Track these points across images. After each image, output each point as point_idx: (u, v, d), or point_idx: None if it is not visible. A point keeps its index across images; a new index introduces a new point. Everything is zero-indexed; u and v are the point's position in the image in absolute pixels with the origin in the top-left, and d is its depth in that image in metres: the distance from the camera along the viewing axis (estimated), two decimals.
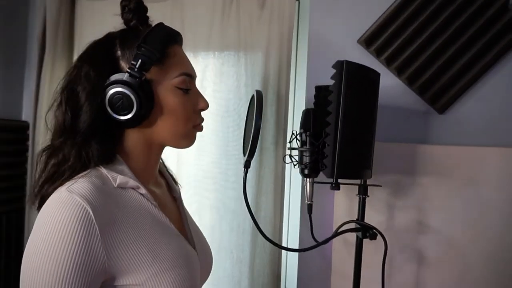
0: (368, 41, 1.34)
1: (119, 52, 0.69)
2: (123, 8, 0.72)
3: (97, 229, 0.59)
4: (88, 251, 0.58)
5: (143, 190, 0.71)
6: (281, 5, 1.52)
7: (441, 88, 1.29)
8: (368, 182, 1.08)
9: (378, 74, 0.99)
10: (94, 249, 0.58)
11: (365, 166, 0.96)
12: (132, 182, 0.70)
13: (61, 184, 0.64)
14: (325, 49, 1.39)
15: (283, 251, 1.55)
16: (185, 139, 0.77)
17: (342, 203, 1.30)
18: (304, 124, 1.03)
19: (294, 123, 1.53)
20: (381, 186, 1.06)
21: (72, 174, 0.65)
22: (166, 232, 0.72)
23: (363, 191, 1.06)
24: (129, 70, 0.66)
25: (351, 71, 0.90)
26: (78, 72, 0.67)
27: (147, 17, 0.75)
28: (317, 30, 1.40)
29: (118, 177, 0.68)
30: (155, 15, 0.76)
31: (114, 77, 0.67)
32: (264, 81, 1.55)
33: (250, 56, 1.56)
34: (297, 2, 1.51)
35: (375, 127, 1.00)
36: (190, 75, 0.75)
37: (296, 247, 1.36)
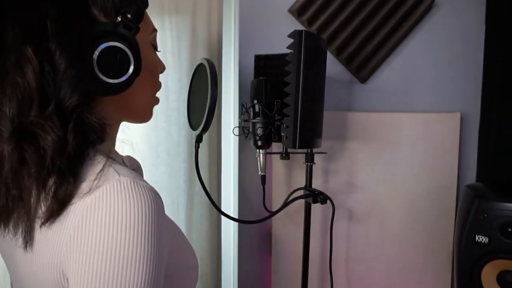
0: (300, 11, 1.35)
1: None
2: None
3: (165, 217, 0.50)
4: (164, 244, 0.47)
5: (141, 171, 0.63)
6: None
7: (364, 59, 1.40)
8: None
9: (325, 42, 1.01)
10: (166, 242, 0.48)
11: (318, 135, 1.00)
12: (135, 162, 0.61)
13: (80, 178, 0.46)
14: (255, 17, 1.36)
15: (222, 224, 1.54)
16: (151, 110, 0.65)
17: (280, 172, 1.34)
18: (256, 95, 1.01)
19: (229, 93, 1.48)
20: (326, 153, 1.13)
21: (82, 160, 0.47)
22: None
23: (310, 159, 1.10)
24: (123, 20, 0.51)
25: (308, 41, 0.90)
26: (40, 17, 0.46)
27: None
28: None
29: (123, 157, 0.57)
30: None
31: (102, 28, 0.50)
32: (192, 48, 1.45)
33: (175, 19, 1.43)
34: None
35: (324, 96, 1.04)
36: (157, 31, 0.64)
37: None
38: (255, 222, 1.03)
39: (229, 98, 1.30)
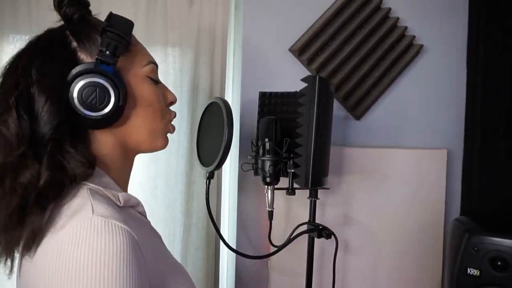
0: (300, 51, 1.42)
1: (74, 43, 0.58)
2: (60, 2, 0.60)
3: (145, 257, 0.50)
4: (143, 284, 0.48)
5: (141, 208, 0.63)
6: (212, 1, 1.47)
7: (359, 97, 1.48)
8: None
9: (333, 85, 1.07)
10: (144, 281, 0.49)
11: (326, 174, 1.04)
12: (133, 199, 0.61)
13: (51, 214, 0.49)
14: (256, 55, 1.42)
15: (220, 256, 1.53)
16: (162, 137, 0.68)
17: (279, 205, 1.37)
18: (267, 133, 1.04)
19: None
20: (329, 188, 1.17)
21: (56, 195, 0.50)
22: (173, 258, 0.67)
23: (314, 194, 1.14)
24: (98, 57, 0.56)
25: (321, 85, 0.95)
26: (26, 68, 0.54)
27: (90, 10, 0.65)
28: (249, 35, 1.41)
29: (119, 194, 0.57)
30: None
31: (80, 67, 0.55)
32: (194, 81, 1.49)
33: (178, 53, 1.46)
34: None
35: (331, 136, 1.09)
36: (157, 65, 0.68)
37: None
38: (264, 257, 1.04)
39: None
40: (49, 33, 0.59)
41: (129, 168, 0.69)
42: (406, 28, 1.51)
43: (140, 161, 1.43)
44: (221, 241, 1.54)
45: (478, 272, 1.18)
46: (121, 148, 0.63)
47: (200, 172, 1.51)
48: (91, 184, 0.55)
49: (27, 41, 0.59)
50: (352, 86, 1.46)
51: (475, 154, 1.51)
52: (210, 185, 1.45)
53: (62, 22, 0.61)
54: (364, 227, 1.45)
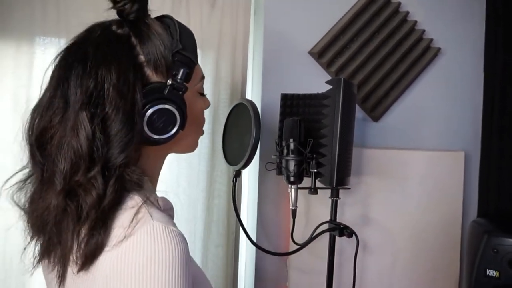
0: (320, 54, 1.45)
1: (142, 57, 0.55)
2: None
3: (190, 259, 0.53)
4: (190, 281, 0.51)
5: (172, 211, 0.65)
6: (234, 5, 1.51)
7: (377, 99, 1.50)
8: None
9: (356, 87, 1.10)
10: (191, 284, 0.52)
11: (349, 173, 1.07)
12: (168, 203, 0.62)
13: (110, 227, 0.50)
14: (277, 57, 1.45)
15: (239, 253, 1.57)
16: (196, 143, 0.71)
17: (300, 204, 1.40)
18: (291, 134, 1.07)
19: None
20: (350, 188, 1.20)
21: (116, 211, 0.51)
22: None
23: (335, 194, 1.17)
24: (173, 82, 0.56)
25: (346, 88, 0.98)
26: (99, 83, 0.51)
27: (147, 8, 0.60)
28: (270, 37, 1.44)
29: (158, 198, 0.59)
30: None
31: (152, 90, 0.54)
32: (215, 83, 1.52)
33: (200, 55, 1.50)
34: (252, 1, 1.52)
35: (353, 137, 1.12)
36: (204, 77, 0.69)
37: (253, 248, 1.41)
38: (287, 254, 1.07)
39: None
40: (115, 38, 0.55)
41: (161, 167, 0.70)
42: (423, 31, 1.53)
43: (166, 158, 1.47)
44: (240, 239, 1.58)
45: (498, 274, 1.20)
46: (160, 155, 0.65)
47: (221, 171, 1.54)
48: (141, 192, 0.55)
49: (79, 40, 0.55)
50: (370, 88, 1.48)
51: (493, 155, 1.52)
52: (225, 181, 1.48)
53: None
54: (382, 227, 1.47)
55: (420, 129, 1.55)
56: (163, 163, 0.70)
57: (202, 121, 0.68)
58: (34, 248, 0.57)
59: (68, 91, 0.51)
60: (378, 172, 1.47)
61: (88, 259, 0.49)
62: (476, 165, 1.56)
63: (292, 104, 1.26)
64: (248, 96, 1.56)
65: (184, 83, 0.57)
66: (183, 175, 1.49)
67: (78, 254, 0.49)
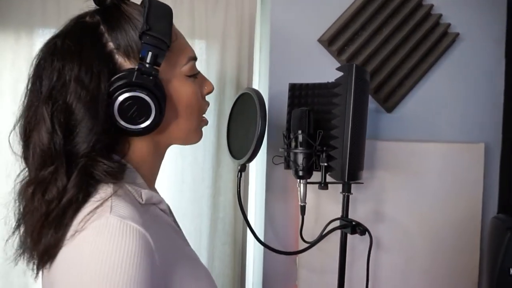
0: (330, 41, 1.38)
1: (111, 44, 0.53)
2: None
3: (157, 258, 0.48)
4: (153, 286, 0.46)
5: (163, 205, 0.61)
6: None
7: (391, 89, 1.42)
8: None
9: (369, 74, 1.03)
10: (154, 283, 0.47)
11: (362, 167, 1.00)
12: (156, 197, 0.59)
13: (68, 224, 0.48)
14: (284, 46, 1.38)
15: (246, 251, 1.51)
16: (197, 132, 0.66)
17: (309, 200, 1.33)
18: (299, 125, 1.01)
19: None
20: (363, 183, 1.13)
21: (77, 209, 0.49)
22: (192, 254, 0.64)
23: (347, 189, 1.10)
24: (139, 67, 0.52)
25: (358, 74, 0.91)
26: (62, 75, 0.50)
27: None
28: (277, 26, 1.37)
29: (142, 191, 0.55)
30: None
31: (119, 78, 0.52)
32: (221, 73, 1.46)
33: (205, 45, 1.44)
34: None
35: (366, 128, 1.04)
36: (196, 58, 0.64)
37: (261, 246, 1.35)
38: (296, 253, 1.01)
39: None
40: (81, 29, 0.54)
41: (160, 161, 0.67)
42: (440, 15, 1.44)
43: (167, 155, 1.41)
44: (248, 237, 1.52)
45: None
46: (155, 147, 0.61)
47: (227, 167, 1.48)
48: (117, 182, 0.53)
49: (56, 33, 0.54)
50: (383, 77, 1.40)
51: None
52: (233, 177, 1.43)
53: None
54: (396, 224, 1.39)
55: (436, 120, 1.47)
56: (162, 156, 0.67)
57: (197, 107, 0.62)
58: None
59: (41, 87, 0.51)
60: (392, 166, 1.39)
61: (44, 257, 0.48)
62: (497, 158, 1.47)
63: (300, 94, 1.19)
64: (255, 87, 1.50)
65: (155, 67, 0.53)
66: (187, 171, 1.44)
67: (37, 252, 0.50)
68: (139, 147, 0.58)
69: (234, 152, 1.03)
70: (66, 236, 0.47)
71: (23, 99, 0.54)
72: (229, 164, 1.48)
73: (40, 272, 0.53)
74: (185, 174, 1.44)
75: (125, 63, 0.54)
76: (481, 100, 1.48)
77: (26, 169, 0.55)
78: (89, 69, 0.51)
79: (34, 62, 0.53)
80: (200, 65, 1.44)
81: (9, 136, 0.54)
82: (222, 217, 1.47)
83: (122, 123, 0.53)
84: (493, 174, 1.47)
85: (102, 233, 0.45)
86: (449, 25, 1.44)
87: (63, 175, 0.49)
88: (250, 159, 0.92)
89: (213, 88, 0.68)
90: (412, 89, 1.45)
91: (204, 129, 1.42)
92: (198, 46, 1.44)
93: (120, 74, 0.52)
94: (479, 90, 1.48)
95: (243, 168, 0.96)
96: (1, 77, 1.30)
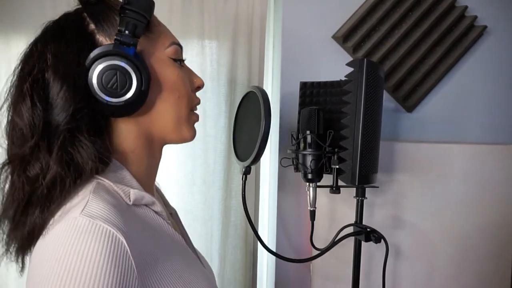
0: (345, 38, 1.31)
1: (92, 26, 0.53)
2: None
3: (133, 263, 0.44)
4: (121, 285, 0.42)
5: (158, 207, 0.57)
6: None
7: (411, 87, 1.34)
8: None
9: (384, 70, 0.96)
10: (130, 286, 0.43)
11: (375, 170, 0.93)
12: (147, 197, 0.55)
13: (53, 211, 0.46)
14: (297, 43, 1.33)
15: (258, 256, 1.46)
16: (189, 126, 0.63)
17: (322, 204, 1.27)
18: (308, 125, 0.95)
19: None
20: (378, 187, 1.06)
21: (63, 191, 0.46)
22: (189, 258, 0.60)
23: (361, 194, 1.03)
24: (117, 37, 0.51)
25: (369, 70, 0.85)
26: (42, 54, 0.50)
27: None
28: (289, 23, 1.32)
29: (130, 191, 0.52)
30: None
31: (98, 50, 0.51)
32: (232, 73, 1.42)
33: (215, 44, 1.41)
34: None
35: (380, 128, 0.97)
36: (181, 46, 0.62)
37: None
38: (306, 261, 0.96)
39: (271, 127, 1.26)
40: (65, 17, 0.55)
41: (155, 161, 0.63)
42: (466, 7, 1.34)
43: (177, 157, 1.39)
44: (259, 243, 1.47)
45: None
46: (144, 139, 0.58)
47: (239, 169, 1.44)
48: (101, 178, 0.51)
49: (43, 27, 0.55)
50: (402, 75, 1.32)
51: None
52: (247, 181, 1.39)
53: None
54: (417, 231, 1.31)
55: (462, 120, 1.37)
56: (156, 154, 0.63)
57: (184, 93, 0.59)
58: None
59: (24, 70, 0.51)
60: (413, 168, 1.31)
61: (24, 242, 0.46)
62: None
63: (312, 93, 1.13)
64: (267, 86, 1.45)
65: (135, 38, 0.52)
66: (198, 172, 1.41)
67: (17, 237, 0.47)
68: (125, 134, 0.56)
69: (240, 154, 0.98)
70: (48, 222, 0.45)
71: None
72: (239, 165, 1.44)
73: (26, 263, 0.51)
74: (195, 176, 1.41)
75: (106, 42, 0.53)
76: (510, 99, 1.37)
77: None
78: (68, 45, 0.51)
79: (20, 57, 0.54)
80: (210, 65, 1.41)
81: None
82: (233, 221, 1.43)
83: (102, 95, 0.50)
84: None
85: (68, 232, 0.42)
86: (475, 17, 1.35)
87: (44, 150, 0.47)
88: (255, 161, 0.87)
89: (203, 83, 0.65)
90: (434, 87, 1.36)
91: (214, 130, 1.40)
92: (208, 46, 1.40)
93: (99, 47, 0.52)
94: (508, 87, 1.37)
95: (247, 171, 0.91)
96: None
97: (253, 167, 1.46)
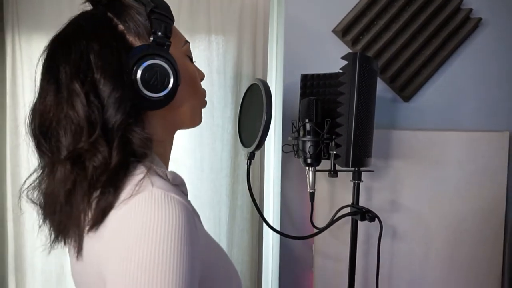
0: (344, 32, 1.38)
1: (121, 26, 0.58)
2: None
3: (196, 228, 0.51)
4: (195, 256, 0.49)
5: (185, 188, 0.64)
6: None
7: (408, 78, 1.40)
8: None
9: (377, 63, 1.03)
10: (195, 256, 0.49)
11: (369, 154, 1.01)
12: (179, 178, 0.62)
13: (120, 190, 0.51)
14: (299, 37, 1.40)
15: (263, 238, 1.55)
16: (199, 113, 0.70)
17: (323, 188, 1.35)
18: (307, 114, 1.03)
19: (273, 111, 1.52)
20: (373, 171, 1.13)
21: (125, 175, 0.52)
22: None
23: (357, 177, 1.11)
24: (154, 39, 0.57)
25: (362, 63, 0.92)
26: (84, 54, 0.53)
27: None
28: (291, 17, 1.40)
29: (167, 171, 0.58)
30: None
31: (140, 51, 0.56)
32: (238, 66, 1.51)
33: (222, 39, 1.49)
34: None
35: (374, 116, 1.05)
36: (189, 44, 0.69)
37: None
38: (305, 238, 1.04)
39: (273, 116, 1.34)
40: (90, 16, 0.58)
41: (170, 145, 0.70)
42: (461, 0, 1.40)
43: (186, 145, 1.48)
44: (264, 223, 1.56)
45: None
46: (168, 128, 0.65)
47: (244, 155, 1.53)
48: (145, 162, 0.55)
49: (66, 24, 0.58)
50: (400, 66, 1.39)
51: None
52: (251, 166, 1.48)
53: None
54: (413, 214, 1.38)
55: (458, 109, 1.43)
56: (171, 141, 0.70)
57: (198, 85, 0.68)
58: (49, 228, 0.58)
59: (58, 73, 0.53)
60: (410, 155, 1.38)
61: (99, 218, 0.50)
62: None
63: (312, 84, 1.21)
64: (271, 78, 1.53)
65: (167, 39, 0.58)
66: (206, 160, 1.50)
67: (90, 215, 0.50)
68: (153, 126, 0.61)
69: (244, 141, 1.07)
70: (117, 201, 0.49)
71: (39, 88, 0.56)
72: (244, 151, 1.52)
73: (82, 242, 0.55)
74: (204, 164, 1.50)
75: (136, 42, 0.58)
76: (505, 87, 1.42)
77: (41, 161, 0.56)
78: (109, 46, 0.54)
79: (44, 58, 0.56)
80: (217, 59, 1.50)
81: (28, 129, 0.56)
82: (240, 205, 1.52)
83: (146, 92, 0.56)
84: None
85: (150, 205, 0.47)
86: (470, 10, 1.40)
87: (103, 144, 0.51)
88: (258, 147, 0.96)
89: (204, 75, 0.73)
90: (430, 78, 1.43)
91: (221, 120, 1.49)
92: (215, 41, 1.49)
93: (137, 47, 0.56)
94: (503, 76, 1.43)
95: (252, 156, 1.00)
96: (37, 76, 1.42)
97: (257, 154, 1.55)
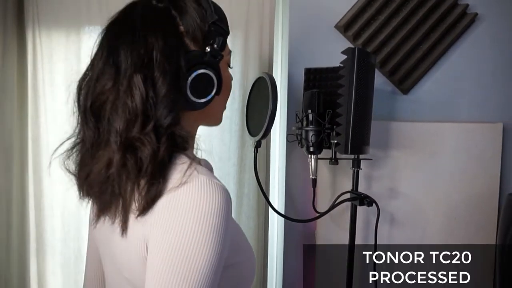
0: (346, 27, 1.45)
1: (182, 28, 0.59)
2: None
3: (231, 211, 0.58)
4: (229, 233, 0.54)
5: (213, 172, 0.68)
6: None
7: (407, 71, 1.47)
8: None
9: (375, 57, 1.10)
10: (228, 240, 0.55)
11: (367, 142, 1.09)
12: (210, 164, 0.67)
13: (169, 177, 0.55)
14: (303, 33, 1.47)
15: (269, 224, 1.64)
16: (221, 116, 0.76)
17: (325, 176, 1.43)
18: (309, 105, 1.11)
19: (278, 103, 1.60)
20: (371, 159, 1.21)
21: (171, 164, 0.56)
22: None
23: (357, 165, 1.19)
24: (210, 50, 0.59)
25: (361, 57, 1.00)
26: (149, 48, 0.55)
27: None
28: (296, 14, 1.47)
29: (201, 160, 0.63)
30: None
31: (194, 56, 0.59)
32: (244, 61, 1.58)
33: (230, 35, 1.57)
34: None
35: (372, 107, 1.13)
36: None
37: (282, 220, 1.47)
38: (307, 221, 1.13)
39: (279, 108, 1.42)
40: (155, 9, 0.59)
41: (194, 138, 0.75)
42: None
43: (196, 135, 1.57)
44: (270, 211, 1.65)
45: None
46: (195, 123, 0.70)
47: (252, 147, 1.61)
48: (186, 152, 0.60)
49: (127, 10, 0.60)
50: (399, 60, 1.46)
51: None
52: (259, 157, 1.56)
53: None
54: (410, 201, 1.46)
55: (454, 101, 1.50)
56: (195, 134, 0.75)
57: (229, 91, 0.73)
58: (91, 207, 0.64)
59: (119, 59, 0.55)
60: (408, 145, 1.45)
61: (149, 205, 0.53)
62: None
63: (315, 78, 1.29)
64: (277, 72, 1.60)
65: (221, 52, 0.61)
66: (215, 150, 1.58)
67: (139, 202, 0.54)
68: (187, 121, 0.62)
69: (252, 131, 1.15)
70: (166, 189, 0.53)
71: (91, 73, 0.58)
72: (251, 140, 1.61)
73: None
74: (212, 153, 1.58)
75: (191, 46, 0.59)
76: (500, 80, 1.49)
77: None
78: (172, 46, 0.56)
79: (104, 39, 0.58)
80: None
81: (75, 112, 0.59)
82: (246, 193, 1.61)
83: (190, 95, 0.59)
84: (511, 153, 1.48)
85: (198, 190, 0.51)
86: (467, 5, 1.46)
87: (154, 137, 0.54)
88: (264, 135, 1.04)
89: (233, 78, 0.77)
90: (428, 71, 1.49)
91: (229, 112, 1.57)
92: None
93: (194, 53, 0.59)
94: (498, 70, 1.49)
95: (258, 145, 1.08)
96: (56, 70, 1.51)
97: (263, 143, 1.63)
